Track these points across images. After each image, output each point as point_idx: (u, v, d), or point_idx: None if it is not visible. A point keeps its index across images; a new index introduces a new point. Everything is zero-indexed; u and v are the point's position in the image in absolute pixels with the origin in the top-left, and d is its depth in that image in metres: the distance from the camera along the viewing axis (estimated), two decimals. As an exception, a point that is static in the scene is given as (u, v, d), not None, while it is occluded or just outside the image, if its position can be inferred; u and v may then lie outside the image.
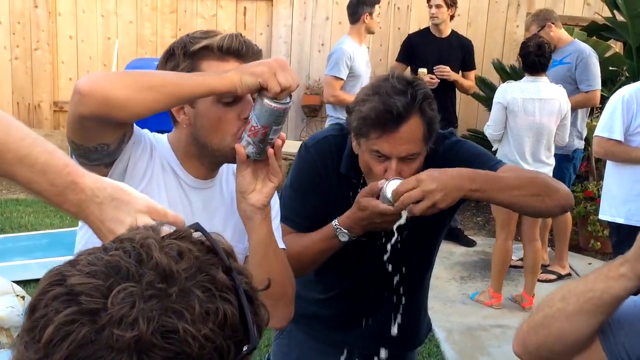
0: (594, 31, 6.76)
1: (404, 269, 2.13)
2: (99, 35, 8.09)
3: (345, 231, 1.99)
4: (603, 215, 4.05)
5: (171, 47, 1.66)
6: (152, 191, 1.61)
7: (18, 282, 4.26)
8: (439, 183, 1.82)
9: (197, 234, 0.87)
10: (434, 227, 2.21)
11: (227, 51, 1.61)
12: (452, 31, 6.13)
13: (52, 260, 4.06)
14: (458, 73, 6.05)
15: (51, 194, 1.19)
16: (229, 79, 1.49)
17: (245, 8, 8.14)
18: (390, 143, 1.91)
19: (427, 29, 6.13)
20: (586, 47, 5.41)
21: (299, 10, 8.06)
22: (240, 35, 1.65)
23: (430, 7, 5.97)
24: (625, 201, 3.88)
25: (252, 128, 1.59)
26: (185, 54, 1.62)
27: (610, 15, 6.76)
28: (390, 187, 1.87)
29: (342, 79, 5.22)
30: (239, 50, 1.62)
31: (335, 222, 2.00)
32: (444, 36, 6.02)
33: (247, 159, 1.62)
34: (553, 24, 5.40)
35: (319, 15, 8.07)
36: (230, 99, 1.59)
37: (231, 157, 1.64)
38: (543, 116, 4.72)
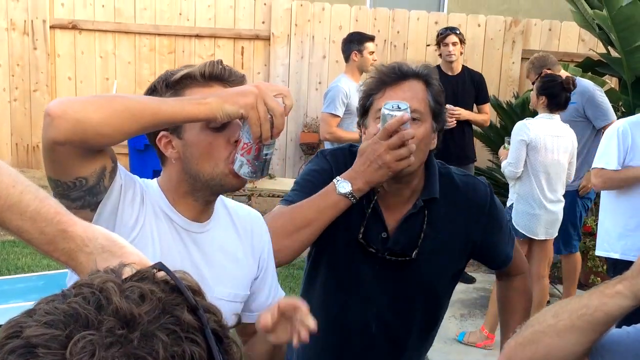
0: (589, 67, 6.80)
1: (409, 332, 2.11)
2: (98, 76, 8.15)
3: (347, 182, 1.90)
4: (599, 251, 4.04)
5: (153, 83, 1.64)
6: (146, 238, 1.57)
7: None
8: None
9: (162, 274, 0.83)
10: (439, 289, 2.16)
11: (210, 77, 1.59)
12: (463, 67, 6.16)
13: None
14: (472, 108, 6.08)
15: (41, 242, 1.16)
16: (208, 106, 1.45)
17: (242, 47, 8.21)
18: (392, 96, 1.93)
19: (439, 67, 6.14)
20: (589, 84, 5.43)
21: (296, 49, 8.13)
22: (221, 61, 1.63)
23: (445, 45, 5.96)
24: (620, 236, 3.86)
25: (245, 146, 1.55)
26: (167, 86, 1.59)
27: (604, 51, 6.81)
28: (388, 105, 1.86)
29: (338, 116, 5.24)
30: (222, 75, 1.60)
31: (337, 177, 1.93)
32: (456, 73, 6.03)
33: (242, 178, 1.58)
34: (549, 69, 5.41)
35: (316, 54, 8.14)
36: (219, 125, 1.55)
37: (226, 185, 1.60)
38: (560, 153, 4.73)
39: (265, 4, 8.15)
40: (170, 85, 1.59)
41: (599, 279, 5.97)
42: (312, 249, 2.16)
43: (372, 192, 2.01)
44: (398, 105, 1.85)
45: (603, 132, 5.15)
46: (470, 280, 6.14)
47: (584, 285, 6.13)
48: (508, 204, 4.93)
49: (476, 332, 5.03)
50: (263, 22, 8.15)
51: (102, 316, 0.74)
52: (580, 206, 5.37)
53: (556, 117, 4.77)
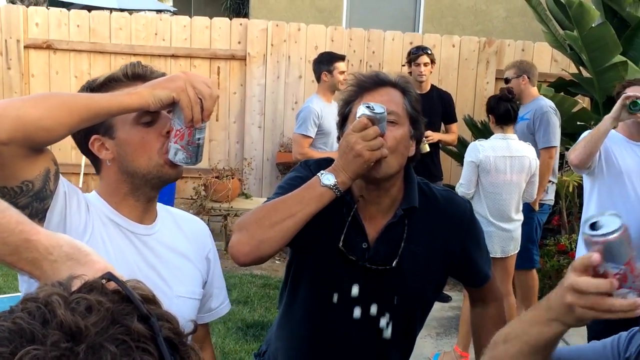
0: (561, 87, 6.89)
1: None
2: (73, 96, 8.13)
3: (330, 174, 1.91)
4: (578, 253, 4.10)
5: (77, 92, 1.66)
6: (97, 245, 1.59)
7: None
8: None
9: (113, 284, 0.83)
10: (415, 303, 2.17)
11: (133, 76, 1.64)
12: (432, 86, 6.22)
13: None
14: (440, 127, 6.13)
15: (4, 254, 1.16)
16: (139, 94, 1.50)
17: (219, 67, 8.22)
18: (370, 100, 1.97)
19: None
20: (545, 104, 5.43)
21: (272, 69, 8.16)
22: (140, 62, 1.68)
23: (417, 65, 6.02)
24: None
25: (177, 133, 1.60)
26: (92, 90, 1.63)
27: (576, 71, 6.90)
28: (365, 104, 1.90)
29: (310, 137, 5.27)
30: (145, 74, 1.65)
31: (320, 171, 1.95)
32: (424, 92, 6.08)
33: (178, 167, 1.64)
34: (529, 78, 5.49)
35: (292, 73, 8.18)
36: (149, 119, 1.61)
37: (163, 176, 1.65)
38: (514, 173, 4.75)
39: (241, 24, 8.18)
40: (94, 89, 1.64)
41: (572, 297, 6.00)
42: (292, 261, 2.18)
43: (352, 201, 2.06)
44: (374, 107, 1.89)
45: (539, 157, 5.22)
46: (446, 299, 6.17)
47: (558, 303, 6.17)
48: None
49: (450, 352, 5.04)
50: (239, 42, 8.17)
51: (47, 330, 0.73)
52: (535, 221, 5.37)
53: (512, 137, 4.79)
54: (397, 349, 2.19)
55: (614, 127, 3.88)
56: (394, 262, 2.04)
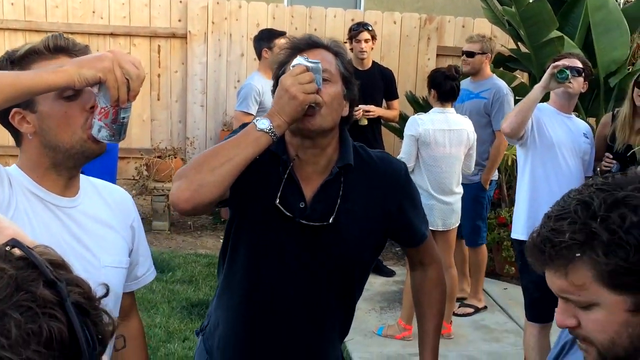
0: (501, 62, 6.99)
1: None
2: (9, 76, 7.94)
3: (266, 119, 1.93)
4: (513, 235, 4.18)
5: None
6: (21, 219, 1.58)
7: None
8: None
9: (20, 251, 0.82)
10: (353, 261, 2.17)
11: (55, 49, 1.63)
12: (373, 62, 6.22)
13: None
14: (382, 103, 6.16)
15: None
16: (65, 72, 1.49)
17: (159, 46, 8.11)
18: (312, 55, 2.01)
19: (350, 62, 6.18)
20: (504, 86, 5.51)
21: (214, 47, 8.08)
22: (62, 34, 1.67)
23: (358, 41, 6.03)
24: (529, 219, 4.00)
25: (102, 110, 1.59)
26: (12, 63, 1.62)
27: (515, 47, 7.01)
28: (301, 57, 1.97)
29: (251, 114, 5.24)
30: (67, 47, 1.64)
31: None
32: (366, 68, 6.10)
33: (101, 143, 1.64)
34: (488, 57, 5.51)
35: (234, 52, 8.12)
36: (72, 93, 1.59)
37: (86, 151, 1.64)
38: (452, 147, 4.81)
39: (181, 2, 8.07)
40: (15, 61, 1.61)
41: (513, 268, 6.15)
42: (230, 224, 2.17)
43: (288, 160, 2.08)
44: (309, 59, 1.95)
45: (494, 135, 5.31)
46: (390, 273, 6.24)
47: (499, 275, 6.31)
48: None
49: (394, 325, 5.12)
50: (179, 20, 8.07)
51: None
52: (486, 200, 5.50)
53: (450, 110, 4.85)
54: (336, 309, 2.22)
55: (543, 98, 3.96)
56: (331, 219, 2.06)
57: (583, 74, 3.90)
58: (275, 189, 2.07)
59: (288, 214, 2.06)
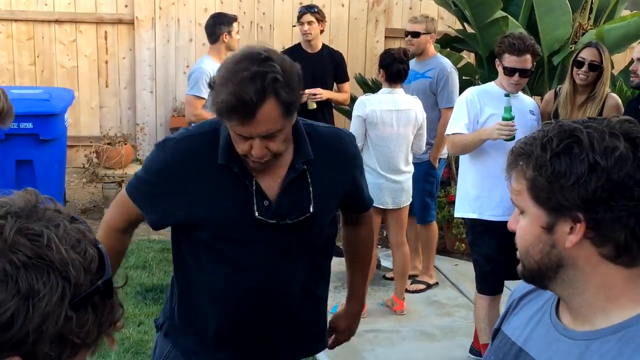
0: (447, 43, 7.08)
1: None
2: (-49, 65, 7.77)
3: None
4: (458, 213, 4.25)
5: None
6: None
7: None
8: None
9: None
10: (323, 239, 2.31)
11: None
12: (323, 45, 6.24)
13: None
14: (332, 86, 6.18)
15: None
16: None
17: (106, 32, 8.02)
18: (250, 127, 1.98)
19: (299, 45, 6.20)
20: (447, 64, 5.56)
21: (162, 33, 8.02)
22: None
23: (302, 24, 6.04)
24: (476, 198, 4.08)
25: None
26: None
27: (461, 27, 7.11)
28: None
29: (203, 98, 5.24)
30: None
31: None
32: (315, 51, 6.11)
33: None
34: (430, 37, 5.57)
35: (182, 37, 8.07)
36: None
37: None
38: (400, 126, 4.87)
39: (127, -13, 7.98)
40: None
41: (463, 245, 6.26)
42: (180, 239, 2.25)
43: (241, 163, 2.11)
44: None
45: (440, 114, 5.41)
46: (342, 253, 6.28)
47: (449, 252, 6.43)
48: None
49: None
50: (126, 6, 7.99)
51: None
52: (437, 178, 5.60)
53: (398, 91, 4.91)
54: (309, 301, 2.33)
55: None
56: (311, 207, 2.16)
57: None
58: (247, 200, 2.11)
59: (263, 218, 2.12)
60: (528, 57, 3.96)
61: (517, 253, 1.42)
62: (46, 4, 7.86)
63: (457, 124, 4.05)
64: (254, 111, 1.94)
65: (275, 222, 2.13)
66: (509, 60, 3.94)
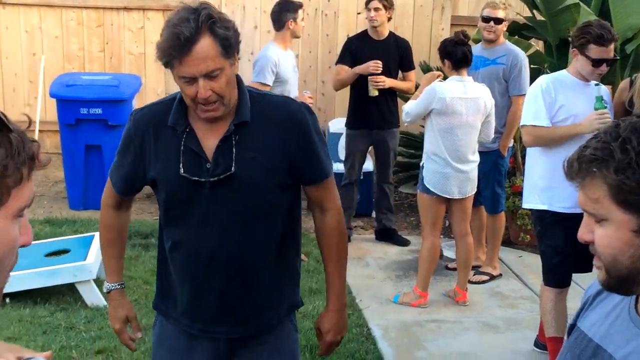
0: (516, 31, 6.92)
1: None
2: (24, 51, 7.97)
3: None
4: (527, 204, 4.17)
5: None
6: None
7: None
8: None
9: None
10: (268, 201, 2.32)
11: None
12: (390, 32, 6.19)
13: None
14: (397, 74, 6.13)
15: None
16: None
17: (172, 19, 8.10)
18: (190, 65, 2.08)
19: (366, 31, 6.17)
20: (520, 51, 5.49)
21: (227, 20, 8.05)
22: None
23: (368, 10, 6.01)
24: (546, 189, 3.99)
25: None
26: None
27: (530, 14, 6.95)
28: None
29: (268, 85, 5.26)
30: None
31: None
32: (382, 38, 6.07)
33: None
34: (490, 10, 5.47)
35: (248, 24, 8.10)
36: None
37: None
38: (469, 115, 4.82)
39: (194, -25, 8.04)
40: None
41: (528, 236, 6.16)
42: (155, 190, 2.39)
43: (185, 122, 2.25)
44: None
45: (510, 101, 5.33)
46: (405, 242, 6.27)
47: (513, 243, 6.33)
48: (421, 163, 5.04)
49: (410, 292, 5.15)
50: (192, -7, 8.05)
51: None
52: (502, 166, 5.52)
53: (467, 79, 4.86)
54: (267, 254, 2.36)
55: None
56: (232, 167, 2.23)
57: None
58: (177, 159, 2.24)
59: (195, 178, 2.23)
60: (612, 46, 3.88)
61: (596, 261, 1.36)
62: (115, -8, 7.99)
63: (536, 115, 3.95)
64: (191, 46, 2.06)
65: (207, 180, 2.23)
66: (596, 51, 3.84)
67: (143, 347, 4.19)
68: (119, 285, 2.53)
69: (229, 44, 2.13)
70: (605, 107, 3.85)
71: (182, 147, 2.24)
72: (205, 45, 2.08)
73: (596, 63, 3.87)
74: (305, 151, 2.33)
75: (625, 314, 1.41)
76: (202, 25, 2.06)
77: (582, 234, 1.37)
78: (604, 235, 1.32)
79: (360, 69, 5.87)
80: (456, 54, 4.79)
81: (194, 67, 2.08)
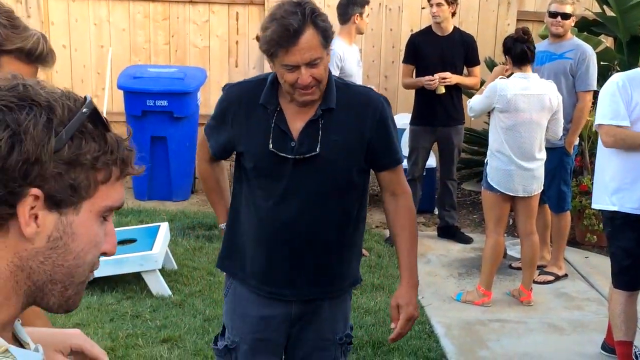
0: (585, 27, 6.80)
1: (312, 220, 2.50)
2: (93, 43, 8.12)
3: None
4: (596, 205, 4.08)
5: None
6: None
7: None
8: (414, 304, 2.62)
9: None
10: (344, 181, 2.52)
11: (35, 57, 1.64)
12: (455, 28, 6.14)
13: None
14: (462, 70, 6.07)
15: None
16: None
17: (237, 13, 8.17)
18: (295, 54, 2.30)
19: (430, 27, 6.13)
20: (588, 47, 5.40)
21: (291, 13, 8.07)
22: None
23: (431, 5, 5.97)
24: (617, 190, 3.90)
25: None
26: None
27: (600, 10, 6.81)
28: None
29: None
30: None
31: None
32: (446, 34, 6.03)
33: None
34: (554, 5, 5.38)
35: (311, 18, 8.10)
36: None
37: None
38: (533, 112, 4.75)
39: (258, -31, 8.10)
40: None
41: (595, 237, 6.05)
42: (236, 161, 2.61)
43: (276, 103, 2.47)
44: None
45: (577, 97, 5.22)
46: (468, 240, 6.21)
47: (579, 243, 6.21)
48: (485, 160, 4.99)
49: (473, 291, 5.11)
50: (257, -13, 8.11)
51: None
52: (570, 164, 5.42)
53: (531, 75, 4.79)
54: (339, 236, 2.57)
55: None
56: (317, 148, 2.44)
57: None
58: (268, 135, 2.46)
59: (282, 154, 2.45)
60: None
61: None
62: (182, -15, 8.08)
63: (615, 114, 3.83)
64: (298, 37, 2.27)
65: (293, 157, 2.44)
66: None
67: (206, 337, 4.26)
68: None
69: (328, 35, 2.35)
70: None
71: (272, 125, 2.45)
72: (310, 36, 2.30)
73: None
74: (382, 138, 2.53)
75: None
76: (307, 18, 2.28)
77: None
78: None
79: (421, 81, 5.90)
80: (515, 50, 4.75)
81: (299, 55, 2.30)
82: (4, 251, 1.00)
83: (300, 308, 2.62)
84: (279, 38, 2.29)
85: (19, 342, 1.08)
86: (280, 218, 2.50)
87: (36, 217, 0.99)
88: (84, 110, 1.01)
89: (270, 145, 2.44)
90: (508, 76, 4.88)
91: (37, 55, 1.61)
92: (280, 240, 2.52)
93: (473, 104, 4.92)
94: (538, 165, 4.86)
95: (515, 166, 4.78)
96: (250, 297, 2.63)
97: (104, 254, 1.10)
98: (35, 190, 0.97)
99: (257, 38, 2.40)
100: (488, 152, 4.94)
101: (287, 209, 2.49)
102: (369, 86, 2.91)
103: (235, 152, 2.61)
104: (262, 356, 2.67)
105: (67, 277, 1.04)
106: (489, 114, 4.95)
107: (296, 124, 2.47)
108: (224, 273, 2.83)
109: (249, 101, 2.51)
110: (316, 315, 2.64)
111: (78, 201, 1.02)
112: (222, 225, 2.79)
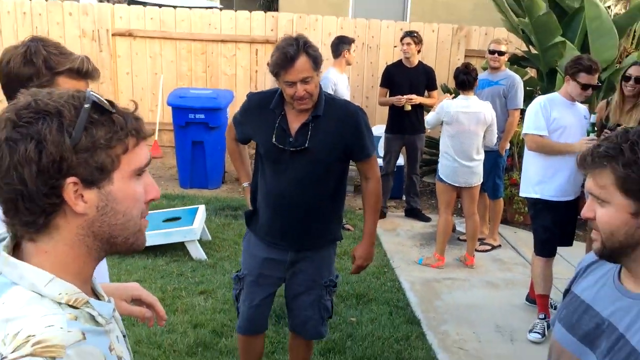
0: (515, 61, 6.78)
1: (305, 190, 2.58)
2: (148, 71, 8.09)
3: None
4: (523, 194, 4.07)
5: (28, 54, 1.52)
6: None
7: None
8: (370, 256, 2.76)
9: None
10: (327, 167, 2.59)
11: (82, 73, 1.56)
12: (419, 61, 6.10)
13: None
14: (424, 93, 6.05)
15: None
16: None
17: (257, 50, 8.15)
18: (292, 74, 2.41)
19: (400, 61, 6.10)
20: (517, 76, 5.38)
21: (297, 50, 8.03)
22: (88, 59, 1.60)
23: (402, 45, 5.95)
24: (539, 182, 3.90)
25: None
26: (47, 68, 1.53)
27: (526, 49, 6.79)
28: None
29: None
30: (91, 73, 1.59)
31: None
32: (413, 66, 6.00)
33: None
34: (495, 45, 5.36)
35: (312, 53, 8.06)
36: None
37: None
38: (472, 124, 4.75)
39: (273, 16, 8.06)
40: (51, 70, 1.55)
41: (521, 217, 6.04)
42: (256, 147, 2.67)
43: (282, 109, 2.54)
44: None
45: (508, 114, 5.20)
46: (427, 219, 6.20)
47: (510, 222, 6.21)
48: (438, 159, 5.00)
49: (431, 257, 5.10)
50: (272, 30, 8.07)
51: None
52: (502, 163, 5.41)
53: (471, 98, 4.79)
54: (324, 206, 2.64)
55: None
56: (307, 144, 2.53)
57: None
58: (272, 131, 2.54)
59: (282, 147, 2.54)
60: (597, 75, 3.76)
61: (594, 234, 1.33)
62: (215, 28, 8.04)
63: (538, 126, 3.83)
64: (294, 61, 2.37)
65: (289, 149, 2.51)
66: (586, 78, 3.72)
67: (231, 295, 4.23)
68: (247, 184, 2.87)
69: (317, 60, 2.44)
70: (595, 133, 3.75)
71: (276, 124, 2.55)
72: (303, 60, 2.40)
73: (584, 87, 3.75)
74: (357, 139, 2.59)
75: (611, 282, 1.39)
76: (301, 48, 2.39)
77: (586, 213, 1.34)
78: (605, 214, 1.30)
79: (392, 100, 5.86)
80: (458, 79, 4.78)
81: (295, 75, 2.40)
82: (69, 227, 0.97)
83: (293, 256, 2.70)
84: (280, 62, 2.39)
85: (96, 295, 1.06)
86: (280, 190, 2.60)
87: (82, 197, 0.95)
88: (86, 105, 0.94)
89: (273, 139, 2.54)
90: (453, 97, 4.89)
91: (85, 72, 1.55)
92: (279, 205, 2.62)
93: (428, 119, 4.94)
94: (476, 164, 4.85)
95: (458, 164, 4.78)
96: (258, 243, 2.74)
97: (152, 200, 1.03)
98: (71, 179, 0.93)
99: (268, 64, 2.49)
100: (440, 153, 4.93)
101: (285, 184, 2.58)
102: (349, 100, 2.95)
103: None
104: (261, 286, 2.76)
105: (123, 230, 1.00)
106: (440, 125, 4.94)
107: (294, 125, 2.55)
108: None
109: (262, 106, 2.60)
110: (305, 262, 2.71)
111: (108, 175, 0.97)
112: (245, 184, 2.88)
